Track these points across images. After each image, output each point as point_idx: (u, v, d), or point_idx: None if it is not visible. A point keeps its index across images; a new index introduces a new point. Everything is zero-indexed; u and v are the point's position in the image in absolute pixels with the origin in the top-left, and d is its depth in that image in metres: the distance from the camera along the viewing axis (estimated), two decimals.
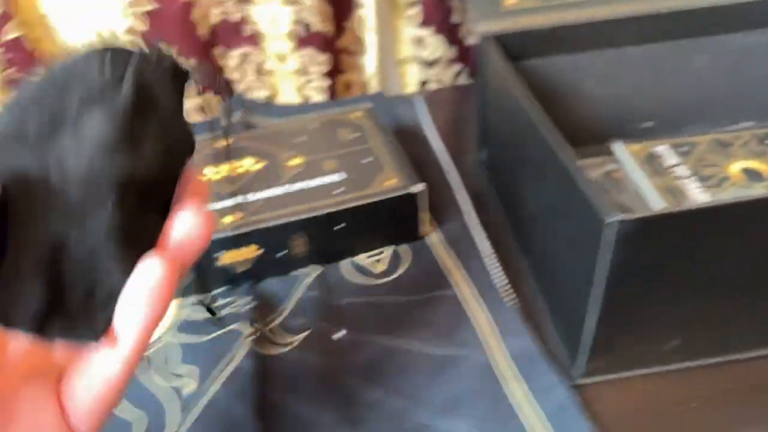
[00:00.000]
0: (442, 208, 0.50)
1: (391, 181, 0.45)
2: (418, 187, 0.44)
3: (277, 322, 0.41)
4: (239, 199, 0.45)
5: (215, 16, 0.66)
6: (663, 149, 0.53)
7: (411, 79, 0.73)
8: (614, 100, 0.54)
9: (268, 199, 0.45)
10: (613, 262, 0.29)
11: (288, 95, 0.72)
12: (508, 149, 0.47)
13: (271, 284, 0.45)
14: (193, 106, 0.68)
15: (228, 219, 0.43)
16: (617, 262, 0.29)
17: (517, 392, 0.35)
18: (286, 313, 0.42)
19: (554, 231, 0.37)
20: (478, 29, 0.46)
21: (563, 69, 0.51)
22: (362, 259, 0.46)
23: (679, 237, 0.28)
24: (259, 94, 0.72)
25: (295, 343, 0.40)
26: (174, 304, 0.44)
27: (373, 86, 0.72)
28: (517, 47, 0.48)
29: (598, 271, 0.30)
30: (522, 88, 0.38)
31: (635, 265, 0.29)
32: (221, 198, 0.45)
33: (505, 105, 0.45)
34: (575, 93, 0.53)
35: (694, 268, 0.30)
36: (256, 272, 0.44)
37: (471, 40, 0.70)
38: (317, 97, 0.71)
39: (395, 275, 0.45)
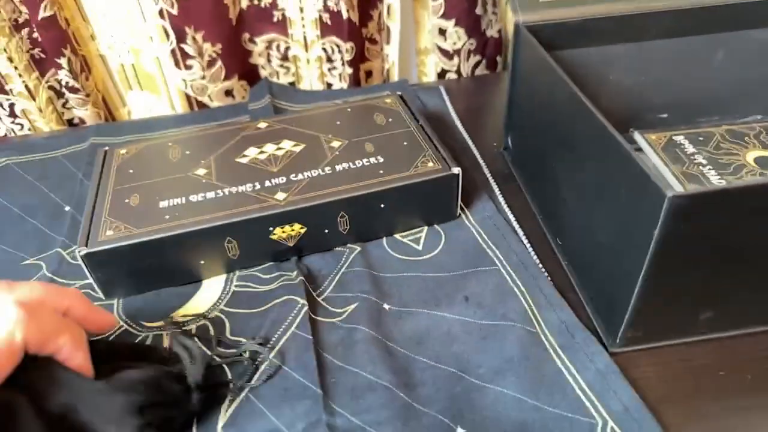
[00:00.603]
0: (470, 190, 0.53)
1: (430, 164, 0.47)
2: (458, 169, 0.46)
3: (326, 294, 0.43)
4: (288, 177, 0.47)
5: (244, 1, 0.67)
6: (680, 138, 0.56)
7: (429, 69, 0.76)
8: (635, 92, 0.57)
9: (313, 179, 0.46)
10: (663, 235, 0.31)
11: (310, 82, 0.74)
12: (538, 134, 0.49)
13: (316, 260, 0.47)
14: (219, 89, 0.70)
15: (280, 196, 0.44)
16: (667, 235, 0.31)
17: (562, 359, 0.38)
18: (332, 285, 0.44)
19: (595, 209, 0.39)
20: (516, 20, 0.48)
21: (590, 60, 0.53)
22: (400, 237, 0.49)
23: (724, 213, 0.31)
24: (283, 80, 0.73)
25: (345, 314, 0.42)
26: (223, 279, 0.45)
27: (393, 75, 0.74)
28: (548, 38, 0.50)
29: (647, 245, 0.32)
30: (566, 75, 0.41)
31: (682, 239, 0.32)
32: (270, 177, 0.47)
33: (541, 91, 0.47)
34: (599, 83, 0.55)
35: (733, 244, 0.33)
36: (301, 248, 0.46)
37: (491, 33, 0.72)
38: (338, 84, 0.73)
39: (435, 252, 0.47)
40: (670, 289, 0.35)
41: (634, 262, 0.34)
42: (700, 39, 0.52)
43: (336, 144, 0.51)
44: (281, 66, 0.73)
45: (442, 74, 0.74)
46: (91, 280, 0.43)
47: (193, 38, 0.65)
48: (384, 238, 0.49)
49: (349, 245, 0.48)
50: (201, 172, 0.48)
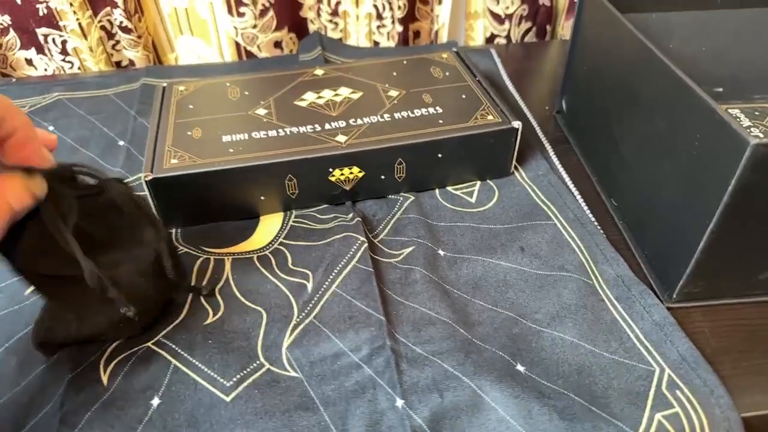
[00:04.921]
0: (524, 150, 0.53)
1: (489, 117, 0.47)
2: (518, 123, 0.47)
3: (381, 236, 0.44)
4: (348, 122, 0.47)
5: None
6: (736, 112, 0.56)
7: (477, 33, 0.75)
8: (692, 63, 0.56)
9: (373, 125, 0.47)
10: (739, 187, 0.31)
11: (357, 39, 0.73)
12: (599, 95, 0.49)
13: (370, 205, 0.47)
14: (269, 40, 0.70)
15: (341, 138, 0.45)
16: (742, 187, 0.31)
17: (618, 310, 0.38)
18: (387, 229, 0.45)
19: (661, 165, 0.39)
20: None
21: (650, 27, 0.53)
22: (453, 189, 0.49)
23: None
24: (330, 35, 0.73)
25: (402, 256, 0.42)
26: (281, 216, 0.46)
27: (441, 37, 0.74)
28: (614, 1, 0.50)
29: (719, 198, 0.32)
30: (639, 33, 0.41)
31: (756, 191, 0.32)
32: (329, 120, 0.47)
33: (607, 51, 0.47)
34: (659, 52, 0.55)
35: None
36: (356, 193, 0.47)
37: (543, 0, 0.72)
38: (386, 43, 0.73)
39: (488, 205, 0.47)
40: (735, 245, 0.35)
41: (702, 216, 0.34)
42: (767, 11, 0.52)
43: (393, 93, 0.51)
44: (330, 21, 0.73)
45: (490, 39, 0.74)
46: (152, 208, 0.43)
47: None
48: (437, 190, 0.49)
49: (402, 193, 0.48)
50: (261, 111, 0.49)
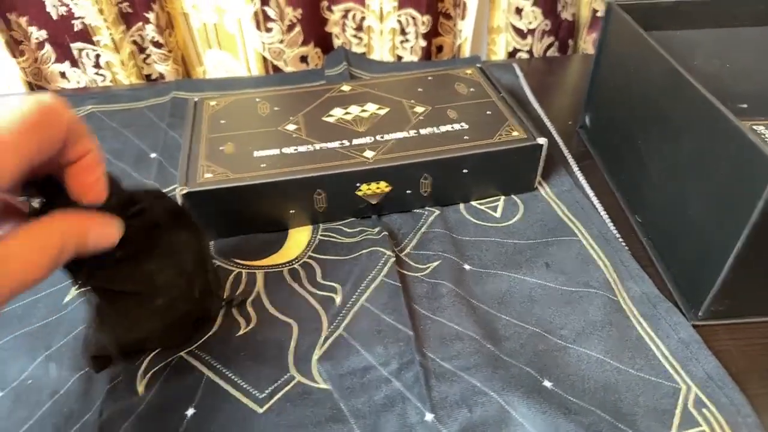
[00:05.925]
0: (547, 165, 0.53)
1: (515, 133, 0.48)
2: (544, 140, 0.47)
3: (407, 250, 0.45)
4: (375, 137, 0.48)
5: None
6: (761, 129, 0.56)
7: (499, 48, 0.76)
8: (716, 79, 0.56)
9: (399, 141, 0.48)
10: (766, 207, 0.32)
11: (380, 54, 0.75)
12: (624, 112, 0.50)
13: (395, 219, 0.48)
14: (295, 55, 0.71)
15: (368, 154, 0.46)
16: None
17: (644, 327, 0.38)
18: (413, 243, 0.46)
19: (688, 183, 0.40)
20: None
21: (674, 44, 0.53)
22: (478, 204, 0.50)
23: None
24: (354, 50, 0.75)
25: (428, 270, 0.43)
26: (309, 230, 0.47)
27: (464, 51, 0.75)
28: (636, 18, 0.50)
29: (746, 219, 0.33)
30: (664, 51, 0.41)
31: None
32: (357, 136, 0.48)
33: (632, 68, 0.48)
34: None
35: None
36: (382, 207, 0.48)
37: (565, 15, 0.73)
38: (409, 57, 0.74)
39: (513, 221, 0.48)
40: (762, 265, 0.36)
41: (728, 235, 0.34)
42: None
43: (419, 109, 0.52)
44: (354, 36, 0.74)
45: (512, 54, 0.75)
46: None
47: (277, 1, 0.66)
48: (461, 204, 0.50)
49: (427, 208, 0.49)
50: (291, 127, 0.50)
